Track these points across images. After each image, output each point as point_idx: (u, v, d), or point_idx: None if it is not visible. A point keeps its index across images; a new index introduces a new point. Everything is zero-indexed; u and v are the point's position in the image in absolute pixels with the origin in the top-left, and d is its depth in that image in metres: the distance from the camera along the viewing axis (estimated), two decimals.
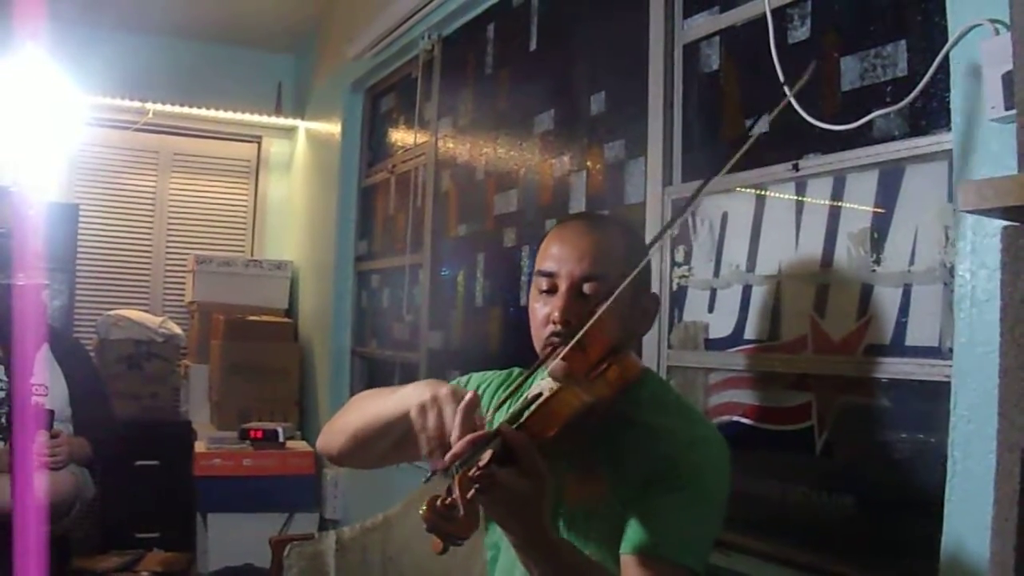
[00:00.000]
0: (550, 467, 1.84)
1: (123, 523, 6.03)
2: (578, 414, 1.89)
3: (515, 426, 1.80)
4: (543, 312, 2.10)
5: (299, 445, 6.20)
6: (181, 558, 5.68)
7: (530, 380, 2.06)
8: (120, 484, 5.87)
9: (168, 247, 7.76)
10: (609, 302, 1.94)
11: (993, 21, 1.94)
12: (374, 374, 6.08)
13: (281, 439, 5.98)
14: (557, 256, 2.11)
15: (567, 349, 1.97)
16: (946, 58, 2.11)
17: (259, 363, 6.52)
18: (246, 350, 6.51)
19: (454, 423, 1.86)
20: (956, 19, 2.09)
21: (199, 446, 6.00)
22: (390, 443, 2.20)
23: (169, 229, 7.78)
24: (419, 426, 1.93)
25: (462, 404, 1.87)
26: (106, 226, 7.57)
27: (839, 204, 2.57)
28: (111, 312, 6.76)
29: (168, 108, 7.17)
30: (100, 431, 4.84)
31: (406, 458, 2.29)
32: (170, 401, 6.65)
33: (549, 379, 2.04)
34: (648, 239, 2.90)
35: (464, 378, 2.48)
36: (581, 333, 1.95)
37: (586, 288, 2.06)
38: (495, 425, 1.82)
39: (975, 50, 2.00)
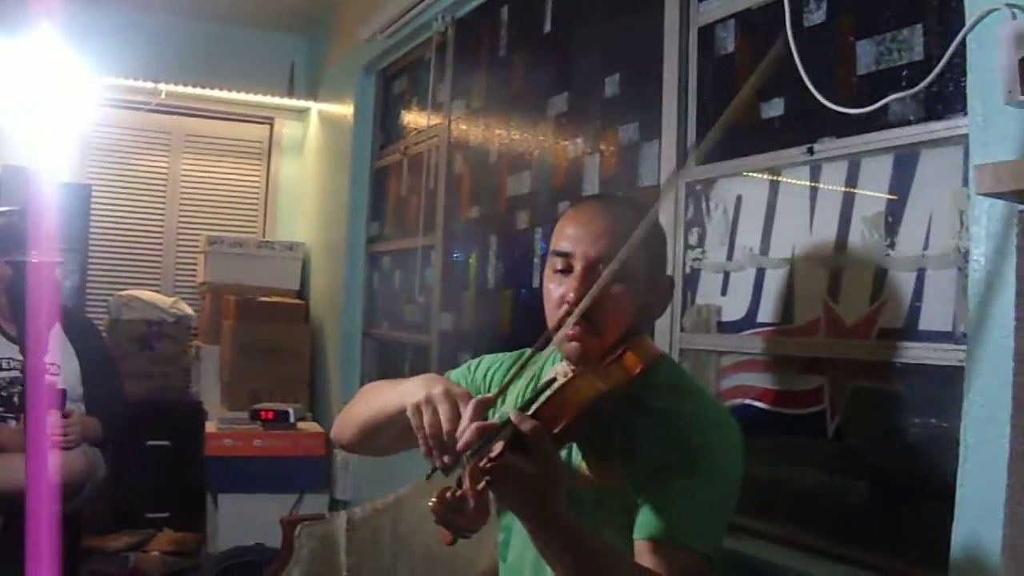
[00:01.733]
0: (563, 451, 1.84)
1: (134, 503, 6.06)
2: (593, 401, 1.89)
3: (528, 413, 1.80)
4: (558, 292, 2.09)
5: (310, 426, 6.20)
6: (191, 538, 5.71)
7: (538, 360, 2.06)
8: (131, 464, 5.89)
9: (180, 228, 7.77)
10: (612, 268, 1.93)
11: (1010, 5, 1.93)
12: (385, 356, 6.09)
13: (292, 420, 5.99)
14: (573, 236, 2.11)
15: (573, 322, 1.97)
16: (963, 42, 2.10)
17: (270, 344, 6.53)
18: (257, 331, 6.52)
19: (465, 414, 1.86)
20: (973, 3, 2.07)
21: (210, 426, 6.00)
22: (395, 434, 2.21)
23: (181, 210, 7.79)
24: (415, 425, 1.94)
25: (457, 411, 1.88)
26: (118, 207, 7.58)
27: (854, 188, 2.57)
28: (123, 292, 6.78)
29: (181, 89, 7.16)
30: (112, 411, 4.85)
31: (414, 445, 2.30)
32: (181, 381, 6.67)
33: (563, 363, 2.04)
34: (662, 222, 2.90)
35: (475, 361, 2.48)
36: (586, 304, 1.94)
37: (602, 269, 2.06)
38: (503, 410, 1.82)
39: (992, 34, 1.99)
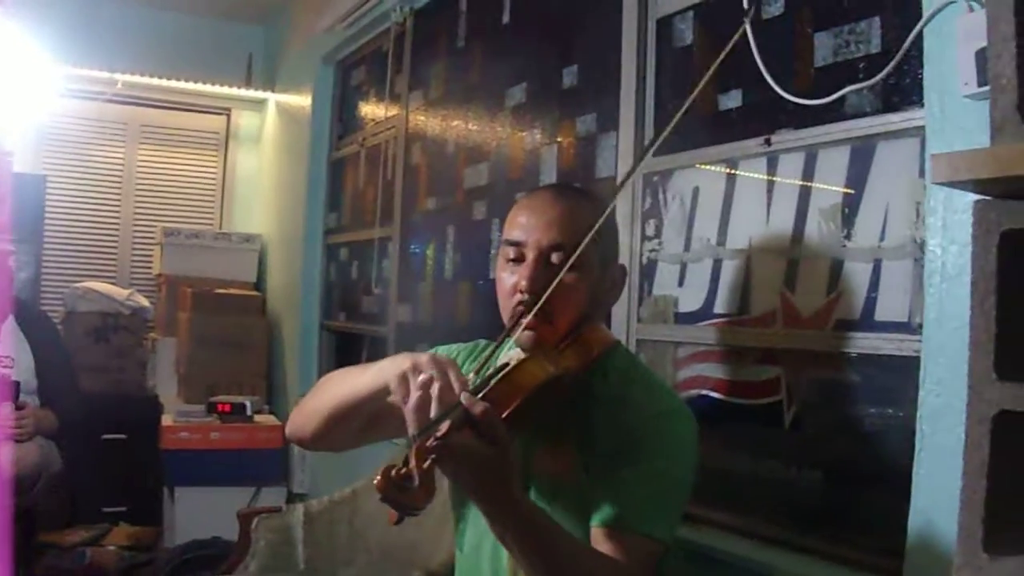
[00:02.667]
0: (517, 437, 1.84)
1: (90, 497, 5.99)
2: (544, 385, 1.89)
3: (479, 396, 1.79)
4: (510, 281, 2.10)
5: (267, 419, 6.16)
6: (148, 532, 5.66)
7: (498, 352, 2.05)
8: (87, 457, 5.83)
9: (136, 219, 7.69)
10: (570, 262, 1.94)
11: None
12: (342, 348, 6.08)
13: (249, 413, 5.95)
14: (525, 225, 2.11)
15: (531, 315, 1.97)
16: (920, 35, 2.12)
17: (227, 336, 6.48)
18: (214, 323, 6.47)
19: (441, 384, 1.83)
20: None
21: (166, 419, 5.96)
22: (364, 422, 2.19)
23: (137, 201, 7.71)
24: (402, 395, 1.89)
25: (447, 377, 1.85)
26: (74, 197, 7.49)
27: (810, 179, 2.58)
28: (78, 284, 6.70)
29: (137, 79, 7.08)
30: (66, 403, 4.83)
31: (380, 436, 2.28)
32: (137, 374, 6.61)
33: (517, 350, 2.04)
34: (619, 213, 2.91)
35: (431, 351, 2.47)
36: (544, 298, 1.95)
37: (554, 258, 2.06)
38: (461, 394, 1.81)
39: (949, 27, 2.01)
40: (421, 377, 1.85)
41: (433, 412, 1.77)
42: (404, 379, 1.88)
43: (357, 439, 2.28)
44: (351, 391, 2.12)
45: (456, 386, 1.81)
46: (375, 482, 1.67)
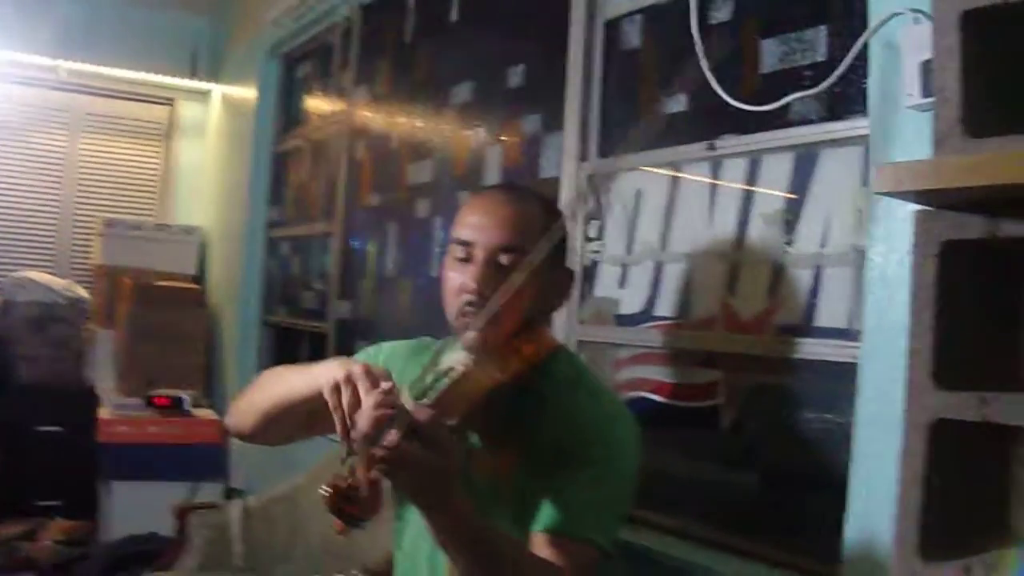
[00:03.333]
0: (459, 440, 1.84)
1: (24, 490, 5.93)
2: (489, 390, 1.89)
3: (425, 402, 1.79)
4: (458, 281, 2.08)
5: (205, 413, 6.11)
6: (84, 526, 5.61)
7: (444, 351, 2.04)
8: (22, 450, 5.80)
9: (76, 209, 7.57)
10: (524, 274, 1.93)
11: (913, 10, 1.96)
12: (282, 343, 6.03)
13: (187, 407, 5.91)
14: (475, 225, 2.10)
15: (480, 319, 1.97)
16: (866, 45, 2.14)
17: (166, 329, 6.42)
18: (153, 316, 6.40)
19: (367, 402, 1.83)
20: (877, 6, 2.11)
21: (103, 412, 5.88)
22: (301, 420, 2.16)
23: (78, 190, 7.59)
24: (333, 404, 1.88)
25: (377, 388, 1.84)
26: (13, 185, 7.38)
27: (754, 185, 2.60)
28: (16, 274, 6.61)
29: (81, 67, 7.00)
30: (2, 395, 4.78)
31: (317, 433, 2.26)
32: (75, 366, 6.53)
33: (463, 353, 2.03)
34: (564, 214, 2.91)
35: (373, 348, 2.44)
36: (493, 304, 1.94)
37: (503, 259, 2.05)
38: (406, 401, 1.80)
39: (895, 38, 2.03)
40: (347, 396, 1.86)
41: (366, 426, 1.76)
42: (336, 389, 1.87)
43: (295, 435, 2.26)
44: (287, 392, 2.10)
45: (382, 399, 1.80)
46: (323, 494, 1.67)
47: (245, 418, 2.27)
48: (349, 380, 1.86)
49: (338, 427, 1.86)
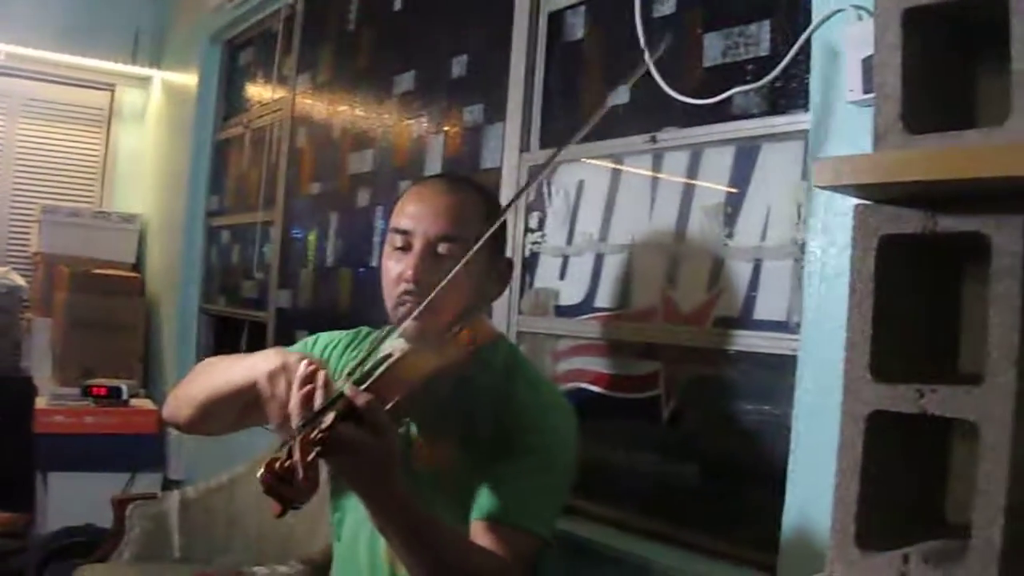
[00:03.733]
0: (398, 429, 1.84)
1: None
2: (427, 377, 1.89)
3: (362, 387, 1.79)
4: (396, 270, 2.08)
5: (143, 403, 6.05)
6: (19, 518, 5.54)
7: (382, 338, 2.04)
8: None
9: (14, 195, 7.46)
10: (463, 263, 1.93)
11: (856, 7, 1.99)
12: (222, 332, 6.00)
13: (124, 397, 5.84)
14: (414, 214, 2.10)
15: (420, 309, 1.97)
16: (808, 40, 2.16)
17: (104, 318, 6.36)
18: (91, 304, 6.34)
19: (294, 389, 1.83)
20: (820, 3, 2.13)
21: (40, 402, 5.82)
22: (238, 410, 2.15)
23: (16, 177, 7.48)
24: (268, 395, 1.89)
25: (300, 372, 1.84)
26: None
27: (694, 178, 2.61)
28: None
29: (20, 51, 6.90)
30: None
31: (254, 423, 2.25)
32: (11, 355, 6.45)
33: (400, 340, 2.03)
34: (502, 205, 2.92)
35: (311, 339, 2.44)
36: (433, 295, 1.94)
37: (441, 248, 2.06)
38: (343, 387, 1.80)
39: (837, 34, 2.05)
40: (281, 385, 1.86)
41: (297, 418, 1.76)
42: (271, 378, 1.88)
43: (231, 425, 2.25)
44: (224, 382, 2.09)
45: (319, 394, 1.81)
46: (259, 475, 1.66)
47: (181, 408, 2.26)
48: (284, 368, 1.86)
49: (273, 416, 1.87)
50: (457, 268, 1.91)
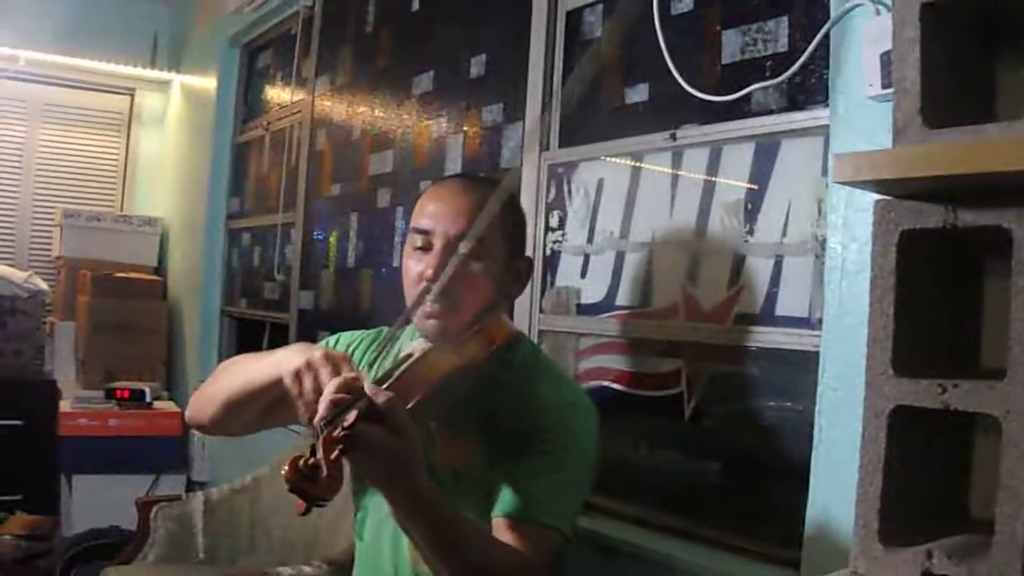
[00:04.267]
0: (419, 427, 1.84)
1: None
2: (448, 376, 1.89)
3: (383, 386, 1.79)
4: (416, 270, 2.08)
5: (166, 405, 6.07)
6: (45, 520, 5.55)
7: (399, 336, 2.05)
8: None
9: (36, 200, 7.49)
10: (467, 249, 1.93)
11: (874, 1, 1.99)
12: (243, 334, 6.01)
13: (148, 399, 5.86)
14: (433, 214, 2.10)
15: (430, 300, 1.97)
16: (826, 36, 2.16)
17: (127, 321, 6.38)
18: (114, 307, 6.37)
19: (326, 390, 1.83)
20: None
21: (64, 405, 5.84)
22: (262, 409, 2.15)
23: (37, 181, 7.50)
24: (295, 392, 1.87)
25: (340, 374, 1.84)
26: None
27: (714, 175, 2.61)
28: None
29: (40, 56, 6.92)
30: None
31: (279, 423, 2.25)
32: (34, 359, 6.46)
33: (421, 340, 2.04)
34: (524, 204, 2.93)
35: (333, 338, 2.44)
36: (443, 283, 1.94)
37: (461, 248, 2.05)
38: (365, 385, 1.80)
39: (855, 29, 2.05)
40: (307, 382, 1.86)
41: (324, 410, 1.77)
42: (297, 375, 1.87)
43: (255, 425, 2.25)
44: (248, 380, 2.09)
45: (342, 383, 1.80)
46: (283, 472, 1.67)
47: (204, 409, 2.27)
48: (310, 366, 1.86)
49: (301, 412, 1.86)
50: (461, 251, 1.91)
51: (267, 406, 2.12)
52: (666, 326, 2.71)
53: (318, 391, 1.81)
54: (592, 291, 2.98)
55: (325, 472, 1.66)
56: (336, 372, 1.83)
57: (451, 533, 1.85)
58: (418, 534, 1.83)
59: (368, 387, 1.75)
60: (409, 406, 1.79)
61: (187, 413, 2.39)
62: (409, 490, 1.78)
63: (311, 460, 1.67)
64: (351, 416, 1.68)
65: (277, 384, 1.95)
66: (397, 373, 1.85)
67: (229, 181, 6.25)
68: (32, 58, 6.90)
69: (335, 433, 1.67)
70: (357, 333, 2.43)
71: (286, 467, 1.66)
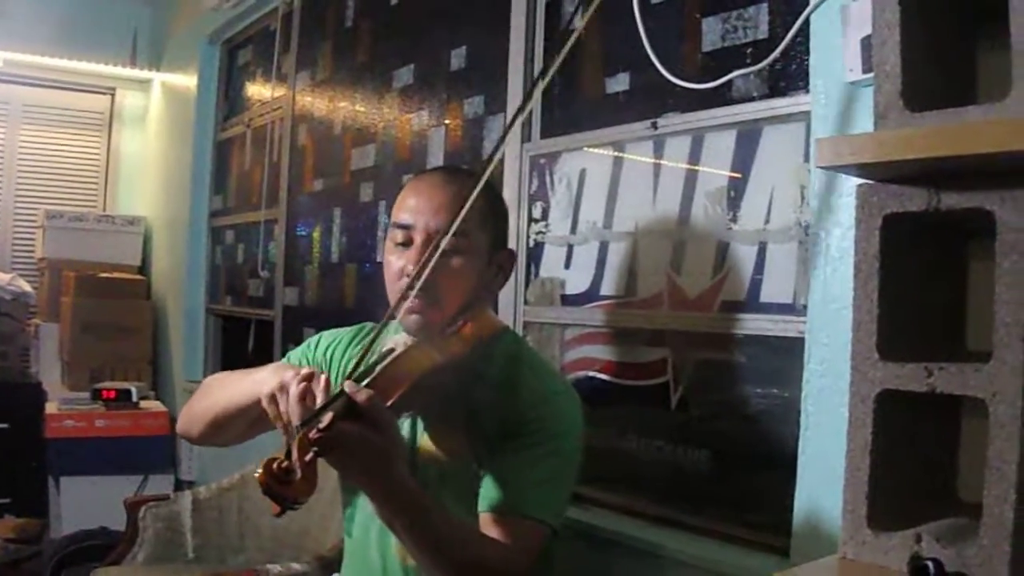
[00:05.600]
0: (406, 424, 1.84)
1: None
2: (430, 371, 1.89)
3: (365, 383, 1.78)
4: (398, 265, 2.08)
5: (153, 405, 6.06)
6: (33, 523, 5.55)
7: (382, 335, 2.04)
8: None
9: (17, 201, 7.45)
10: (445, 240, 1.91)
11: None
12: (228, 331, 6.01)
13: (134, 399, 5.85)
14: (414, 208, 2.09)
15: (414, 296, 1.96)
16: (807, 21, 2.15)
17: (111, 321, 6.38)
18: (98, 308, 6.36)
19: (292, 389, 1.83)
20: None
21: (50, 407, 5.82)
22: (246, 424, 2.18)
23: (19, 183, 7.47)
24: (272, 415, 1.89)
25: (293, 391, 1.83)
26: None
27: (697, 163, 2.61)
28: None
29: (19, 57, 6.91)
30: None
31: (267, 430, 2.26)
32: (19, 361, 6.45)
33: (403, 335, 2.03)
34: (505, 195, 2.92)
35: (314, 339, 2.44)
36: (424, 277, 1.92)
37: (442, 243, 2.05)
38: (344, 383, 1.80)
39: (835, 14, 2.04)
40: (283, 404, 1.85)
41: (296, 418, 1.77)
42: (272, 399, 1.88)
43: (243, 436, 2.28)
44: (231, 399, 2.13)
45: (320, 398, 1.81)
46: (257, 475, 1.67)
47: (193, 424, 2.33)
48: (283, 388, 1.86)
49: (282, 433, 1.87)
50: (437, 253, 1.90)
51: (250, 422, 2.14)
52: (651, 315, 2.71)
53: (303, 390, 1.82)
54: (576, 281, 2.98)
55: (299, 475, 1.66)
56: (307, 389, 1.83)
57: (436, 528, 1.85)
58: (402, 528, 1.83)
59: (348, 385, 1.74)
60: (391, 402, 1.79)
61: (178, 427, 2.46)
62: (391, 486, 1.78)
63: (284, 463, 1.67)
64: (327, 417, 1.68)
65: (258, 404, 1.95)
66: (379, 369, 1.84)
67: (211, 179, 6.24)
68: (12, 59, 6.88)
69: (310, 435, 1.66)
70: (338, 331, 2.43)
71: (259, 470, 1.66)
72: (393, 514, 1.82)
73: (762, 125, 2.42)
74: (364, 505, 2.15)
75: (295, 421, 1.77)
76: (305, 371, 1.88)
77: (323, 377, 1.85)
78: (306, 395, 1.80)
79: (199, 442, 2.36)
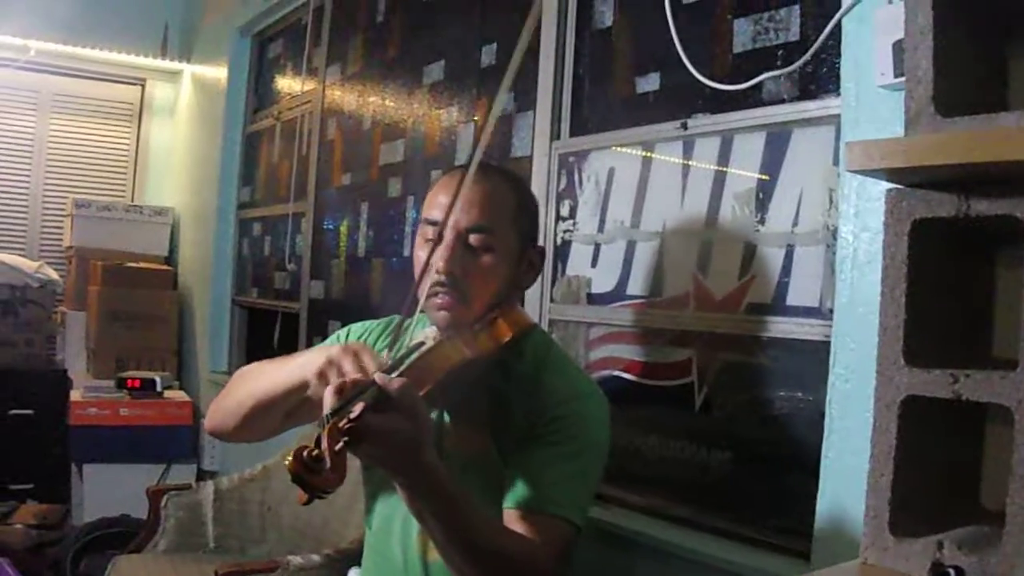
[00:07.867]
0: (430, 416, 1.83)
1: None
2: (459, 367, 1.89)
3: (395, 374, 1.78)
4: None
5: (177, 395, 6.11)
6: (56, 509, 5.57)
7: (408, 326, 2.04)
8: None
9: (46, 190, 7.52)
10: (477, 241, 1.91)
11: None
12: (254, 324, 6.03)
13: (159, 388, 5.88)
14: (445, 205, 2.08)
15: (435, 282, 1.96)
16: (838, 25, 2.15)
17: (137, 311, 6.42)
18: (124, 297, 6.40)
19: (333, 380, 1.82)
20: None
21: (75, 395, 5.87)
22: (284, 412, 2.15)
23: (48, 172, 7.54)
24: (318, 396, 1.88)
25: (362, 363, 1.83)
26: None
27: (726, 164, 2.60)
28: None
29: (51, 47, 6.95)
30: None
31: (301, 422, 2.25)
32: (45, 349, 6.49)
33: (433, 328, 2.03)
34: (536, 192, 2.92)
35: (343, 331, 2.44)
36: (447, 264, 1.93)
37: (472, 239, 2.05)
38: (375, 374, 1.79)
39: (867, 18, 2.04)
40: (333, 379, 1.84)
41: (328, 407, 1.76)
42: (323, 375, 1.87)
43: (278, 428, 2.25)
44: (270, 387, 2.09)
45: (372, 368, 1.80)
46: (287, 463, 1.66)
47: (227, 419, 2.26)
48: (332, 363, 1.86)
49: (315, 422, 1.86)
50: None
51: (289, 411, 2.12)
52: (677, 316, 2.70)
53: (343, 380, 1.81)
54: (603, 280, 2.97)
55: (328, 464, 1.66)
56: (358, 361, 1.83)
57: (464, 516, 1.83)
58: (431, 517, 1.81)
59: (379, 376, 1.74)
60: (420, 395, 1.79)
61: (207, 424, 2.37)
62: (421, 473, 1.76)
63: (315, 451, 1.67)
64: (357, 408, 1.68)
65: (301, 388, 1.95)
66: (408, 361, 1.85)
67: (240, 171, 6.27)
68: (43, 48, 6.92)
69: (340, 424, 1.66)
70: (368, 323, 2.43)
71: (290, 457, 1.66)
72: (422, 501, 1.80)
73: (792, 128, 2.41)
74: (386, 498, 2.16)
75: (327, 402, 1.76)
76: (354, 344, 1.89)
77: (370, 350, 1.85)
78: (345, 386, 1.79)
79: (233, 437, 2.30)
